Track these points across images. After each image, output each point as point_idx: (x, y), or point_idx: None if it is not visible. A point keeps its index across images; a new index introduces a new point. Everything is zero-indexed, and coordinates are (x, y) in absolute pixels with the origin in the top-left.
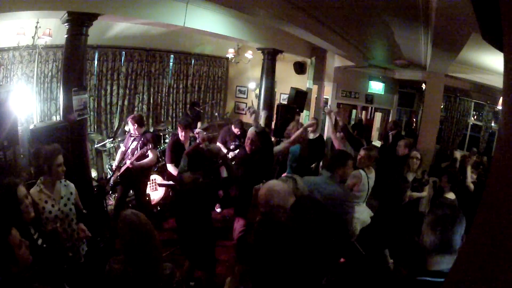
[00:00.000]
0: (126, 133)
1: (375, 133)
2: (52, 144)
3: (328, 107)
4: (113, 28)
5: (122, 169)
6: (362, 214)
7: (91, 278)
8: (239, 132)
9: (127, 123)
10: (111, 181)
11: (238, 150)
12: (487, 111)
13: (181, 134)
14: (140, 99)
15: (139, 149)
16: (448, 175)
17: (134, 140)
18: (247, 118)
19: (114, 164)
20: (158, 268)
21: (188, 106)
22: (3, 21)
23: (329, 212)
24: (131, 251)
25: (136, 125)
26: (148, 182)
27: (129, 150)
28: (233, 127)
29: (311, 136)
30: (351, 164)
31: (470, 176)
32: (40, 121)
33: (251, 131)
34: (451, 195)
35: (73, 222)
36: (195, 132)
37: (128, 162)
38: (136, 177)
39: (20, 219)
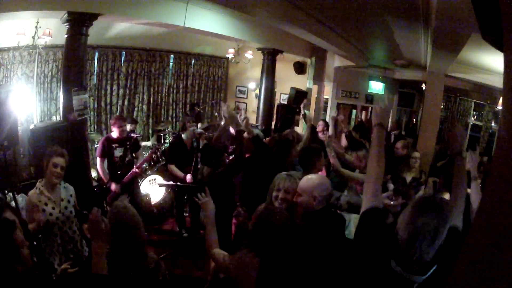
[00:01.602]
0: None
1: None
2: (52, 146)
3: (335, 115)
4: (113, 28)
5: (126, 178)
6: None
7: (92, 279)
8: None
9: (122, 126)
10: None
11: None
12: (487, 111)
13: (187, 132)
14: (140, 99)
15: (129, 154)
16: (444, 175)
17: (118, 146)
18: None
19: (104, 176)
20: (143, 261)
21: (188, 106)
22: (3, 21)
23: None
24: (117, 242)
25: (128, 125)
26: (148, 182)
27: (118, 159)
28: (230, 128)
29: (322, 138)
30: (322, 161)
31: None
32: (40, 121)
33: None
34: (446, 196)
35: (74, 224)
36: (196, 133)
37: (134, 169)
38: (132, 181)
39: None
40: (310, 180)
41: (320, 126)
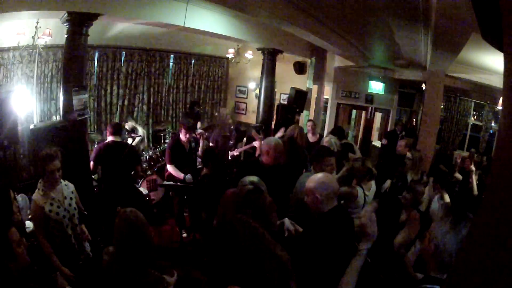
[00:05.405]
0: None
1: (375, 133)
2: (49, 148)
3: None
4: (113, 28)
5: None
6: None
7: (92, 277)
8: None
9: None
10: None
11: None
12: (487, 111)
13: (183, 135)
14: (140, 99)
15: None
16: (434, 177)
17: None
18: (245, 118)
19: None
20: (144, 276)
21: (188, 105)
22: (3, 21)
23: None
24: (124, 251)
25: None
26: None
27: None
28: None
29: (311, 138)
30: (328, 160)
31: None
32: (40, 121)
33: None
34: (446, 198)
35: (78, 220)
36: (196, 133)
37: None
38: None
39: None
40: (312, 180)
41: (309, 126)
